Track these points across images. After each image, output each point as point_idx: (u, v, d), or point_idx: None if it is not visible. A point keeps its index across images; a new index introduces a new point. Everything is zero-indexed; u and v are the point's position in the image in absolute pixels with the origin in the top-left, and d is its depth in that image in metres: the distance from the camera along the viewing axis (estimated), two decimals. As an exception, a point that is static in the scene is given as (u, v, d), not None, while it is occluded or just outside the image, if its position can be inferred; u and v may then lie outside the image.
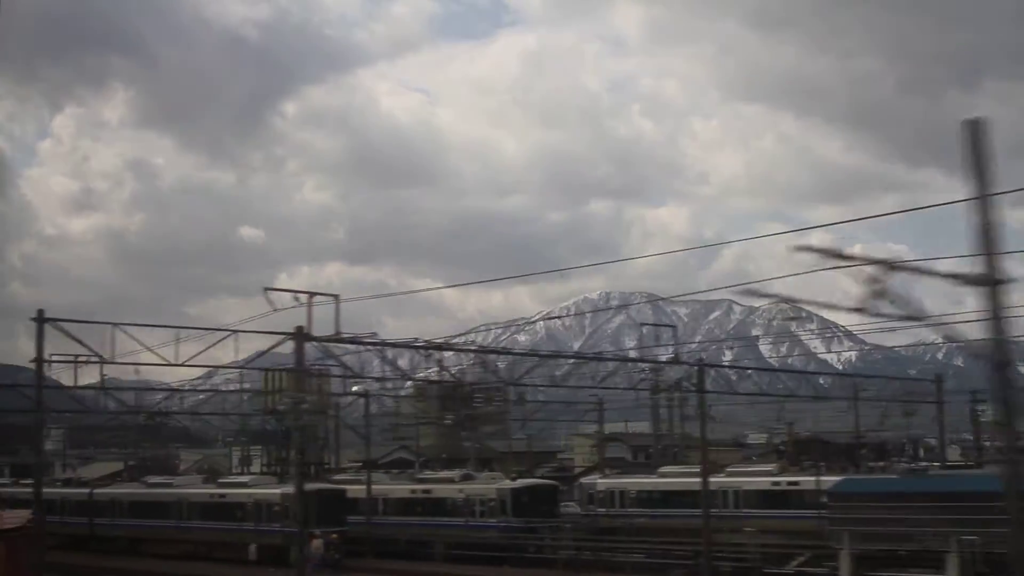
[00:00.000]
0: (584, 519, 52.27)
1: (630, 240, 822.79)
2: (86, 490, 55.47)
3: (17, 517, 40.53)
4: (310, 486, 48.47)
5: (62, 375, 41.08)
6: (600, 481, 52.64)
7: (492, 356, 37.18)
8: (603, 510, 51.25)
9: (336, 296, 29.89)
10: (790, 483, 46.30)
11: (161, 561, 47.75)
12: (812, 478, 45.09)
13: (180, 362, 29.76)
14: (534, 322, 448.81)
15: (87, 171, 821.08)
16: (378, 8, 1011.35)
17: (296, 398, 28.70)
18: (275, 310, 29.07)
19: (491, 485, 52.59)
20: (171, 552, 49.74)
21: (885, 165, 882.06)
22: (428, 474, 57.14)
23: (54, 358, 31.28)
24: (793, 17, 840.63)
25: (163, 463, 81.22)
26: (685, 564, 40.12)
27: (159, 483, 53.42)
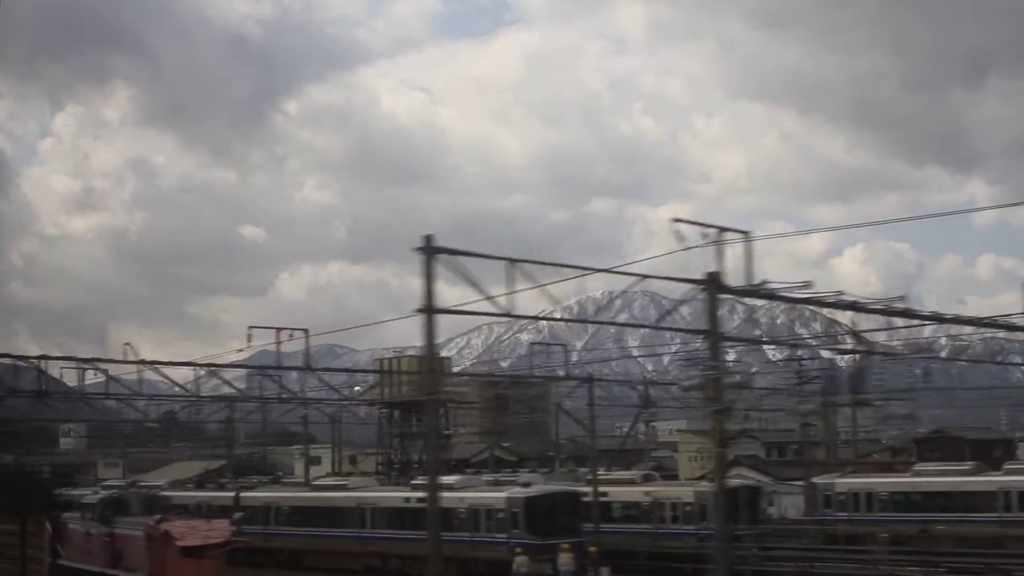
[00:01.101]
0: (815, 525, 45.59)
1: (632, 239, 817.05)
2: (229, 493, 47.52)
3: (221, 529, 32.79)
4: (541, 489, 41.20)
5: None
6: (840, 481, 45.37)
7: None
8: (844, 514, 44.13)
9: (746, 233, 22.40)
10: None
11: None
12: None
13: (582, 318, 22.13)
14: (537, 321, 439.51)
15: (88, 170, 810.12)
16: (380, 6, 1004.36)
17: (716, 367, 20.98)
18: (686, 248, 21.65)
19: (685, 487, 46.42)
20: (346, 567, 42.11)
21: (887, 163, 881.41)
22: (603, 474, 49.73)
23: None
24: (796, 15, 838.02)
25: (254, 464, 72.98)
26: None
27: (328, 485, 45.57)
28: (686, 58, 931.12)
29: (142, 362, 37.29)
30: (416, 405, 63.88)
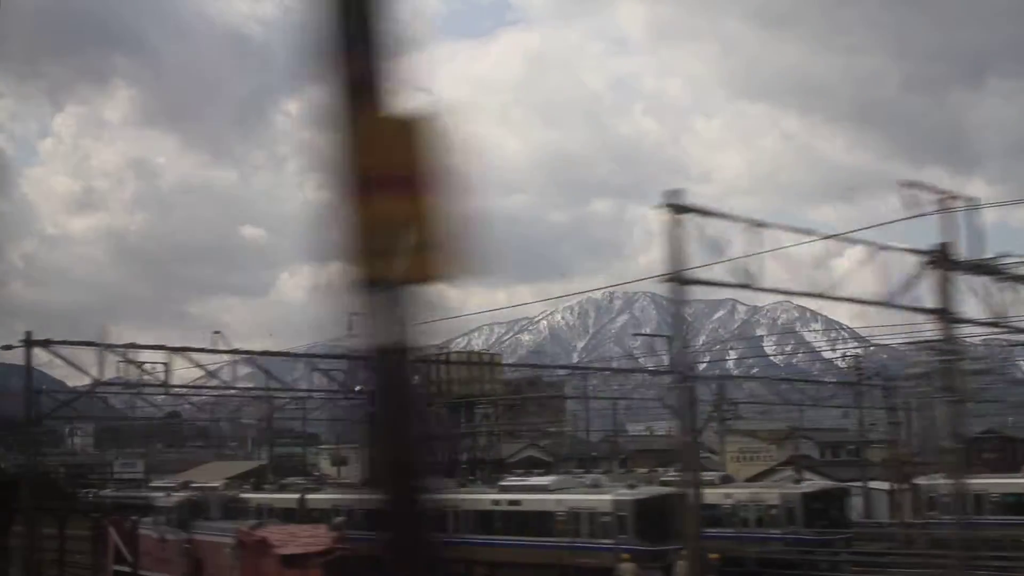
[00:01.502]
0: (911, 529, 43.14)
1: (632, 240, 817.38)
2: (293, 495, 44.63)
3: (322, 536, 29.96)
4: (651, 491, 38.52)
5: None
6: (947, 482, 42.68)
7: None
8: (951, 517, 41.52)
9: (976, 199, 19.74)
10: None
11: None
12: None
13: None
14: (537, 322, 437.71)
15: (88, 170, 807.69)
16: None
17: (952, 351, 18.24)
18: (918, 215, 18.98)
19: (771, 489, 44.05)
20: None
21: (888, 164, 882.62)
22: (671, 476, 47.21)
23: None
24: (797, 15, 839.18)
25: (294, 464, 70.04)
26: None
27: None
28: (687, 58, 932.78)
29: (235, 352, 34.37)
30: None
